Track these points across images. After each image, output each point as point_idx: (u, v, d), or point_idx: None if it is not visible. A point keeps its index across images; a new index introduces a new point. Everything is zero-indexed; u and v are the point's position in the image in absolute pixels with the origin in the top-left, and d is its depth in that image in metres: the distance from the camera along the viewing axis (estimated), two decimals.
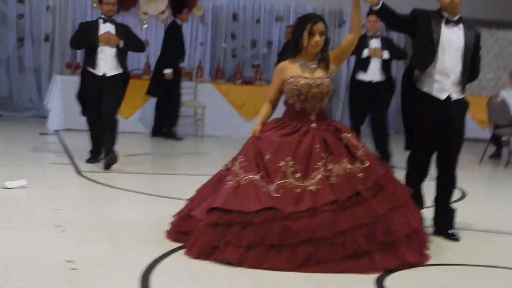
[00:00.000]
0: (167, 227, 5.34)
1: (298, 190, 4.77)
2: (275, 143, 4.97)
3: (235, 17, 14.73)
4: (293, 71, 5.17)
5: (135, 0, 13.71)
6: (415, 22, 5.70)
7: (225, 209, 4.75)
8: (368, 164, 4.96)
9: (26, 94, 13.69)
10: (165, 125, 11.90)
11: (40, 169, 8.09)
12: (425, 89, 5.74)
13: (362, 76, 9.74)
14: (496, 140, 11.70)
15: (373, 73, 9.75)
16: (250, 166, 4.89)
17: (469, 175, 9.61)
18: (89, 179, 7.64)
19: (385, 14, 5.60)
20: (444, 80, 5.71)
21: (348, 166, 4.90)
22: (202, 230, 4.81)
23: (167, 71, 11.56)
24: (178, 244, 5.04)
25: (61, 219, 5.69)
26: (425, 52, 5.69)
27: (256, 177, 4.83)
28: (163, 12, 13.77)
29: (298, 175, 4.82)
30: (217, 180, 5.10)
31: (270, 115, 5.33)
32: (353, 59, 10.34)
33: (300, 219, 4.64)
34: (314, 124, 5.11)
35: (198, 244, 4.78)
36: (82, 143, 9.39)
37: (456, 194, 7.33)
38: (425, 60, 5.69)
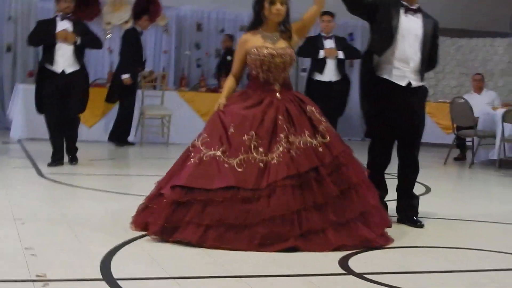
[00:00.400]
0: (130, 220, 5.24)
1: (261, 164, 4.76)
2: (239, 117, 4.95)
3: (199, 26, 14.74)
4: (256, 42, 5.16)
5: (99, 10, 13.66)
6: (375, 6, 5.73)
7: (187, 187, 4.71)
8: (328, 139, 4.96)
9: None
10: (129, 131, 11.82)
11: (1, 172, 7.97)
12: (385, 76, 5.75)
13: (319, 77, 9.84)
14: (459, 142, 11.78)
15: (330, 74, 9.94)
16: (212, 142, 4.87)
17: (434, 175, 9.69)
18: (51, 180, 7.55)
19: None
20: (404, 67, 5.73)
21: (309, 139, 4.90)
22: (163, 208, 4.76)
23: (125, 77, 11.48)
24: (141, 233, 4.97)
25: (21, 213, 5.59)
26: (383, 36, 5.72)
27: (218, 153, 4.80)
28: (127, 21, 13.72)
29: (261, 149, 4.81)
30: (184, 158, 5.03)
31: (234, 88, 5.32)
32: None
33: (260, 200, 4.62)
34: (278, 94, 5.10)
35: (159, 222, 4.73)
36: (45, 150, 9.26)
37: (420, 189, 7.39)
38: (383, 44, 5.71)
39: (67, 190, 7.03)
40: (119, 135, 11.70)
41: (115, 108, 11.98)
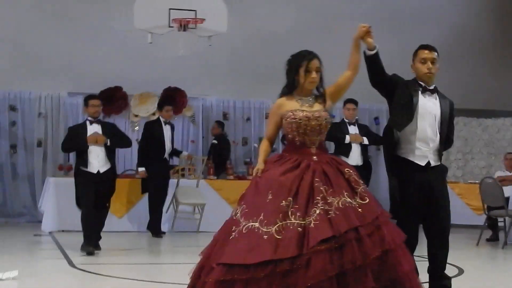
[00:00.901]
0: None
1: (299, 229, 4.70)
2: (277, 183, 4.90)
3: (225, 116, 14.90)
4: (291, 106, 5.17)
5: (126, 103, 13.97)
6: (395, 82, 5.80)
7: (229, 264, 4.68)
8: (367, 200, 4.91)
9: (19, 200, 13.67)
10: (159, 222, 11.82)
11: (33, 263, 8.05)
12: (408, 156, 5.79)
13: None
14: (491, 223, 11.66)
15: (355, 158, 10.17)
16: (250, 212, 4.81)
17: (466, 256, 9.57)
18: (82, 269, 7.57)
19: (376, 61, 5.65)
20: (424, 147, 5.76)
21: (348, 199, 4.86)
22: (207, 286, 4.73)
23: (140, 170, 11.74)
24: None
25: None
26: (403, 112, 5.75)
27: (256, 224, 4.76)
28: (153, 114, 13.94)
29: (298, 213, 4.76)
30: (227, 231, 4.90)
31: (269, 152, 5.30)
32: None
33: (298, 271, 4.57)
34: (315, 157, 5.09)
35: None
36: (76, 242, 9.33)
37: (452, 271, 7.27)
38: (403, 119, 5.74)
39: (98, 280, 7.04)
40: (151, 226, 11.72)
41: (144, 199, 12.04)
